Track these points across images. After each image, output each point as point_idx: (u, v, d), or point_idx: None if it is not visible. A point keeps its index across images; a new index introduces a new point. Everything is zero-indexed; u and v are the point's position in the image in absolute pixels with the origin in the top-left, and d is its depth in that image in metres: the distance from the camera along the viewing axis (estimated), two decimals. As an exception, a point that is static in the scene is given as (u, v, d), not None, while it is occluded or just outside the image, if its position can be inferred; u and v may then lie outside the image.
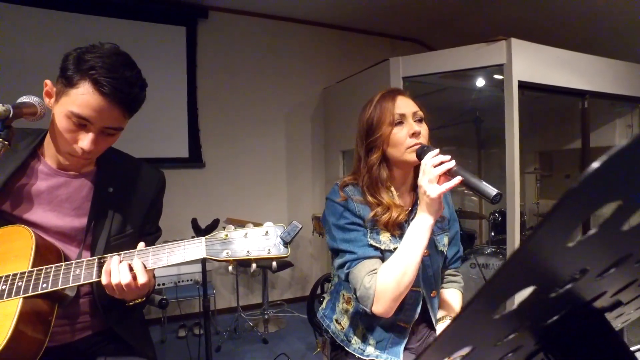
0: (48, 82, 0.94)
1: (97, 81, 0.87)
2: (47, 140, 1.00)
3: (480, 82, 3.40)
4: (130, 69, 0.93)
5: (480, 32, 3.60)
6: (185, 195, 3.74)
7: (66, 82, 0.89)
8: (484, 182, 0.93)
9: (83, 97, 0.87)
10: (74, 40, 3.60)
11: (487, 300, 0.22)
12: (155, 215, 1.17)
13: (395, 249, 1.08)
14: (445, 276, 1.32)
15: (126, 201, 1.07)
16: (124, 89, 0.90)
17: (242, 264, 0.87)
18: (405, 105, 1.14)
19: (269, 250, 0.83)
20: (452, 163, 0.98)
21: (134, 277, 0.84)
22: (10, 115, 0.76)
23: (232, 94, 4.05)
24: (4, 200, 0.94)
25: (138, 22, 3.65)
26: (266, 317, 3.61)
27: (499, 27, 3.69)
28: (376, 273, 1.05)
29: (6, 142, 0.69)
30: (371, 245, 1.11)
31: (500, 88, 2.93)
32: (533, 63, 2.93)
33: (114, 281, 0.82)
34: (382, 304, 1.02)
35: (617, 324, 0.51)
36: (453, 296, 1.31)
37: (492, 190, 0.90)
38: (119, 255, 0.86)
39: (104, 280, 0.83)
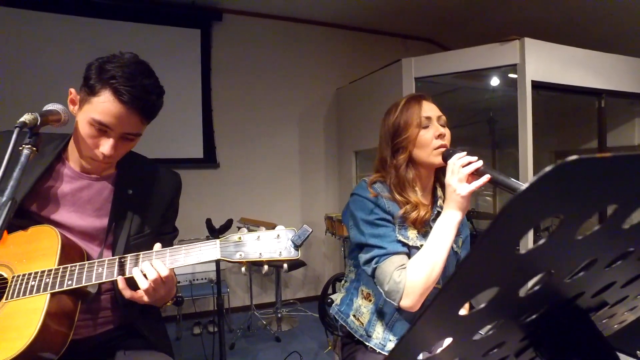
0: (72, 90, 1.00)
1: (117, 90, 0.91)
2: (71, 145, 1.05)
3: (494, 82, 3.38)
4: (149, 78, 0.98)
5: (494, 31, 3.58)
6: (199, 195, 3.81)
7: (89, 90, 0.94)
8: (512, 179, 0.96)
9: (104, 105, 0.92)
10: (91, 45, 3.71)
11: (453, 295, 0.24)
12: (172, 216, 1.21)
13: (421, 245, 1.13)
14: None
15: (145, 203, 1.12)
16: (142, 97, 0.95)
17: (255, 264, 0.91)
18: (430, 109, 1.20)
19: (280, 252, 0.86)
20: (480, 163, 1.03)
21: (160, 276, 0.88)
22: (38, 123, 0.82)
23: (246, 95, 4.11)
24: (32, 202, 0.99)
25: (154, 25, 3.73)
26: (279, 315, 3.65)
27: (512, 26, 3.66)
28: (404, 268, 1.08)
29: (34, 149, 0.74)
30: (399, 241, 1.14)
31: (514, 87, 2.91)
32: (547, 62, 2.90)
33: (152, 277, 0.87)
34: (412, 298, 1.05)
35: (612, 325, 0.53)
36: None
37: (521, 185, 0.92)
38: (138, 255, 0.91)
39: (143, 285, 0.87)
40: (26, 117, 0.79)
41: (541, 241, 0.23)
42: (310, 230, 0.87)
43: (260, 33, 4.14)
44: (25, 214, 0.98)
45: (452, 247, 1.22)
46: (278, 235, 0.88)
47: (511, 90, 3.00)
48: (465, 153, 1.07)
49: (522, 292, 0.26)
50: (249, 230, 0.90)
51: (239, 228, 0.92)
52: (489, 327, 0.30)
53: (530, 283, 0.27)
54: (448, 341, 0.30)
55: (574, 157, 0.18)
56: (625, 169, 0.20)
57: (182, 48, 3.82)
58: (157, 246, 0.92)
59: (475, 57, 3.01)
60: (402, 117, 1.20)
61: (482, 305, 0.27)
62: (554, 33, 3.22)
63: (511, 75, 3.01)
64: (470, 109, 4.10)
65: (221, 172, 4.00)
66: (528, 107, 2.79)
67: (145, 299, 0.90)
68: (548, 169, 0.18)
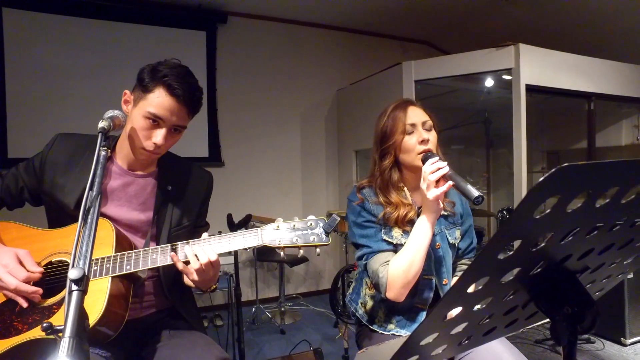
0: (127, 91, 1.14)
1: (170, 85, 1.06)
2: (119, 145, 1.18)
3: (490, 85, 3.53)
4: (193, 78, 1.13)
5: (491, 35, 3.74)
6: (205, 193, 3.92)
7: (143, 89, 1.08)
8: (469, 186, 1.08)
9: (158, 99, 1.06)
10: (99, 47, 3.81)
11: (495, 246, 0.37)
12: (205, 210, 1.34)
13: (405, 243, 1.24)
14: (459, 265, 1.48)
15: (182, 198, 1.24)
16: (191, 92, 1.10)
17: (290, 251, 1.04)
18: (415, 115, 1.29)
19: (313, 239, 1.00)
20: (446, 169, 1.13)
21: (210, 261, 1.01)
22: (111, 128, 0.94)
23: (250, 95, 4.23)
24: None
25: (161, 27, 3.83)
26: (283, 309, 3.79)
27: (508, 31, 3.82)
28: (388, 264, 1.21)
29: (108, 150, 0.86)
30: (385, 240, 1.27)
31: (509, 90, 3.06)
32: (540, 67, 3.06)
33: (203, 260, 0.99)
34: (393, 291, 1.18)
35: (594, 292, 0.66)
36: None
37: (475, 192, 1.06)
38: (187, 242, 1.03)
39: (195, 265, 0.99)
40: (104, 124, 0.92)
41: (546, 211, 0.36)
42: (339, 218, 1.00)
43: (264, 35, 4.26)
44: (82, 208, 1.10)
45: (447, 241, 1.35)
46: (311, 224, 1.01)
47: (506, 92, 3.15)
48: (436, 159, 1.16)
49: (533, 248, 0.39)
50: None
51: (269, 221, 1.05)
52: (507, 279, 0.44)
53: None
54: (484, 279, 0.43)
55: (566, 164, 0.31)
56: (595, 170, 0.34)
57: (188, 50, 3.93)
58: (205, 235, 1.04)
59: (472, 61, 3.16)
60: (388, 124, 1.30)
61: (505, 256, 0.40)
62: (547, 39, 3.38)
63: (506, 78, 3.16)
64: (467, 110, 4.26)
65: (226, 170, 4.11)
66: (522, 110, 2.95)
67: (195, 277, 1.02)
68: (552, 170, 0.31)
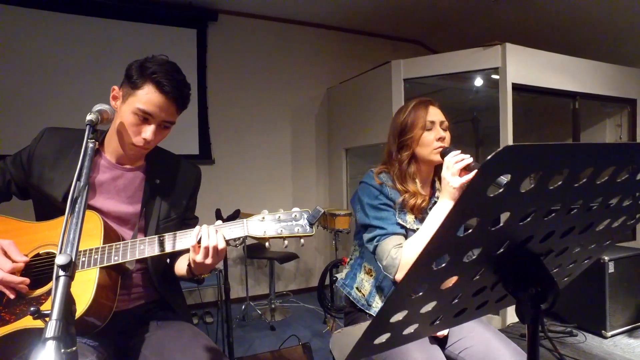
0: (115, 87, 1.15)
1: (159, 82, 1.07)
2: (107, 139, 1.19)
3: (477, 84, 3.58)
4: (181, 74, 1.15)
5: (479, 35, 3.79)
6: (196, 190, 3.92)
7: (132, 85, 1.09)
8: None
9: (147, 96, 1.08)
10: (88, 43, 3.81)
11: (451, 223, 0.40)
12: (194, 204, 1.36)
13: (417, 229, 1.32)
14: None
15: (171, 191, 1.26)
16: (179, 88, 1.11)
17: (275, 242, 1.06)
18: (435, 114, 1.38)
19: (298, 230, 1.02)
20: (470, 159, 1.22)
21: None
22: (99, 122, 0.96)
23: (240, 93, 4.24)
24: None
25: (152, 24, 3.83)
26: (273, 306, 3.81)
27: (496, 31, 3.88)
28: (401, 247, 1.26)
29: (96, 142, 0.88)
30: (398, 224, 1.33)
31: (496, 89, 3.11)
32: (526, 66, 3.12)
33: (212, 244, 1.00)
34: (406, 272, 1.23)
35: (562, 279, 0.70)
36: None
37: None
38: (175, 234, 1.05)
39: (204, 242, 1.00)
40: (91, 117, 0.93)
41: (500, 190, 0.39)
42: (323, 210, 1.03)
43: (255, 33, 4.27)
44: (70, 201, 1.11)
45: None
46: (295, 215, 1.04)
47: (493, 91, 3.20)
48: (459, 152, 1.25)
49: (493, 227, 0.42)
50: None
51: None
52: (474, 257, 0.47)
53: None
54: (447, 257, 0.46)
55: (512, 144, 0.34)
56: (543, 151, 0.37)
57: (178, 47, 3.93)
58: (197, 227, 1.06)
59: (460, 60, 3.21)
60: (409, 118, 1.38)
61: (467, 233, 0.43)
62: (533, 39, 3.44)
63: (493, 77, 3.21)
64: (455, 109, 4.31)
65: (216, 168, 4.12)
66: (509, 107, 3.00)
67: (200, 256, 1.02)
68: (499, 149, 0.34)
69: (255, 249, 3.90)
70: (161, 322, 1.19)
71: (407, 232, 1.34)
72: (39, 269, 1.05)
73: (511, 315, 3.05)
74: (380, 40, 4.91)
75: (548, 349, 2.67)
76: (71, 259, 0.66)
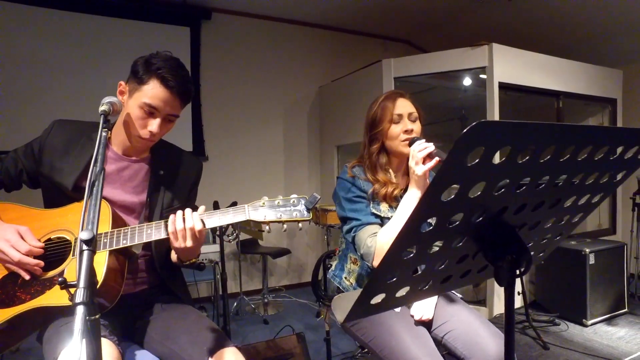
0: (122, 82, 1.21)
1: (164, 78, 1.13)
2: (115, 131, 1.24)
3: (466, 82, 3.69)
4: (185, 70, 1.21)
5: (467, 35, 3.90)
6: (190, 187, 3.97)
7: (138, 80, 1.15)
8: None
9: (153, 90, 1.14)
10: (82, 40, 3.82)
11: (437, 187, 0.48)
12: (195, 194, 1.42)
13: (391, 217, 1.37)
14: None
15: (173, 181, 1.32)
16: (184, 83, 1.17)
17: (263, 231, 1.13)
18: (403, 106, 1.43)
19: (296, 214, 1.09)
20: (432, 147, 1.27)
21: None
22: (111, 112, 1.02)
23: (233, 91, 4.29)
24: (85, 179, 1.18)
25: (145, 22, 3.87)
26: (266, 301, 3.87)
27: (484, 31, 3.99)
28: (376, 235, 1.32)
29: (109, 132, 0.94)
30: (373, 214, 1.39)
31: (484, 87, 3.22)
32: (512, 66, 3.23)
33: (188, 225, 1.05)
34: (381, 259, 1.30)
35: (538, 255, 0.78)
36: None
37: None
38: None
39: (179, 225, 1.06)
40: (104, 107, 0.99)
41: (476, 161, 0.47)
42: (319, 197, 1.10)
43: (248, 32, 4.33)
44: (80, 189, 1.17)
45: None
46: (293, 201, 1.11)
47: (481, 90, 3.31)
48: (423, 140, 1.31)
49: (471, 194, 0.50)
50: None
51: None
52: (455, 223, 0.54)
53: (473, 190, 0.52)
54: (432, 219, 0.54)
55: (485, 120, 0.42)
56: (511, 127, 0.45)
57: (172, 45, 3.92)
58: (201, 209, 1.13)
59: (449, 60, 3.31)
60: (378, 112, 1.44)
61: (449, 198, 0.51)
62: (519, 39, 3.56)
63: (481, 76, 3.32)
64: (444, 107, 4.41)
65: (210, 164, 4.16)
66: (495, 105, 3.12)
67: (179, 241, 1.07)
68: (473, 123, 0.42)
69: (248, 245, 3.96)
70: (165, 305, 1.25)
71: (382, 221, 1.39)
72: (51, 253, 1.11)
73: (497, 307, 3.16)
74: (371, 40, 5.00)
75: (532, 337, 2.79)
76: (94, 234, 0.72)
